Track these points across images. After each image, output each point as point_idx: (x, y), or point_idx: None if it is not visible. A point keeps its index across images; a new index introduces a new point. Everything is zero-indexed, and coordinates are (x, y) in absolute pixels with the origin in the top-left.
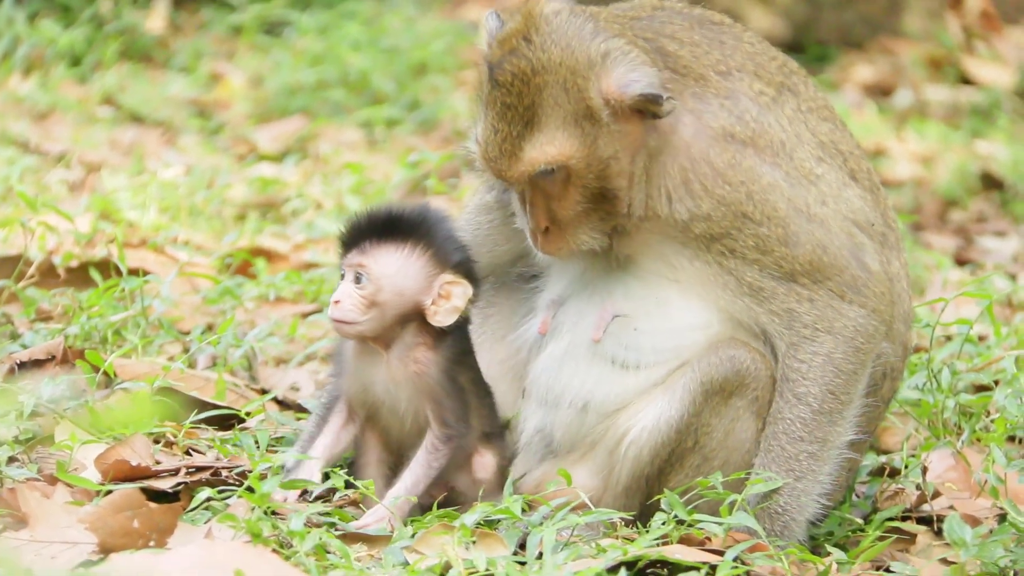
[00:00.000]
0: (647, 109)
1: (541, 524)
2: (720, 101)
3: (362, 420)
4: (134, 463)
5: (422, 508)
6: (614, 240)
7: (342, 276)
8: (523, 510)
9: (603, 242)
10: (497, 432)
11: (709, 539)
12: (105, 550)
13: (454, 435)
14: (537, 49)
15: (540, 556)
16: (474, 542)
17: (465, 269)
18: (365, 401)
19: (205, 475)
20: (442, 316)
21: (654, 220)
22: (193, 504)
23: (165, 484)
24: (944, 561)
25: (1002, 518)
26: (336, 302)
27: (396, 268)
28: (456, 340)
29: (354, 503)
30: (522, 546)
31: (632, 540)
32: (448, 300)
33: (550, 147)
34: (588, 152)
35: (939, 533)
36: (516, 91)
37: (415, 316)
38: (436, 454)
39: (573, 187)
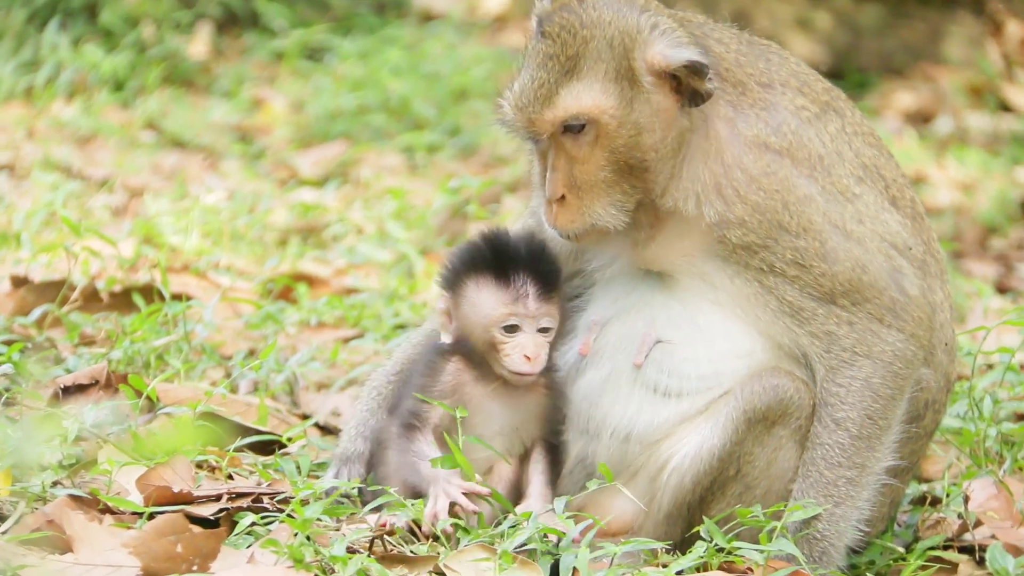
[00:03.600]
0: (689, 84)
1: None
2: (756, 111)
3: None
4: (176, 489)
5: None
6: (639, 238)
7: (514, 327)
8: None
9: (620, 222)
10: None
11: (751, 569)
12: (149, 574)
13: (558, 446)
14: (588, 8)
15: None
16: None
17: None
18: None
19: (247, 501)
20: None
21: (681, 222)
22: (236, 529)
23: (207, 510)
24: None
25: None
26: (531, 358)
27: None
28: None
29: (391, 533)
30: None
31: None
32: None
33: (586, 96)
34: (623, 112)
35: (981, 562)
36: (561, 41)
37: None
38: (547, 465)
39: (600, 149)
